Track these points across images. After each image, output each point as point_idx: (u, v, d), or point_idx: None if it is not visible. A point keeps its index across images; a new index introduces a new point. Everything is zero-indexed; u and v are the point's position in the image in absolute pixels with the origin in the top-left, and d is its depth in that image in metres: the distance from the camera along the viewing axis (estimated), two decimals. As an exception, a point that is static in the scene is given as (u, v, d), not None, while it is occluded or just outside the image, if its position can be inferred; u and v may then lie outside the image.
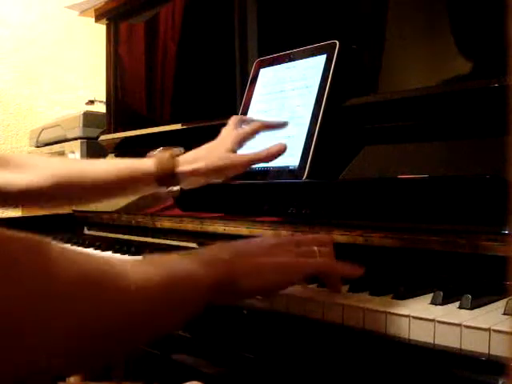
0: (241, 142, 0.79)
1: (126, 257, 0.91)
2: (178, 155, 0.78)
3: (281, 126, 0.82)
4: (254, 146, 0.90)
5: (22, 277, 0.32)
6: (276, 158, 0.77)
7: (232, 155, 0.77)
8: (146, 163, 0.77)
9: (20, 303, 0.31)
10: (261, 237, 0.60)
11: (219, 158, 0.76)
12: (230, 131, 0.80)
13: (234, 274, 0.51)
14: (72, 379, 1.48)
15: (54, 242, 0.36)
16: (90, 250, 0.98)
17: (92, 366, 0.44)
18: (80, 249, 0.91)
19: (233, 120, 0.82)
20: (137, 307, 0.41)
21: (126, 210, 1.17)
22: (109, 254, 0.95)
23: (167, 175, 0.76)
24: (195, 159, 0.77)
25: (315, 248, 0.57)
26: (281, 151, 0.76)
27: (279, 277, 0.54)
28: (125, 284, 0.40)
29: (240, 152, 0.80)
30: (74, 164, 0.83)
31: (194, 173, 0.76)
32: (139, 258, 0.49)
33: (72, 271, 0.36)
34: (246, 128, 0.80)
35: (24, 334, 0.32)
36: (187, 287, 0.46)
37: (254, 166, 0.88)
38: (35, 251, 0.34)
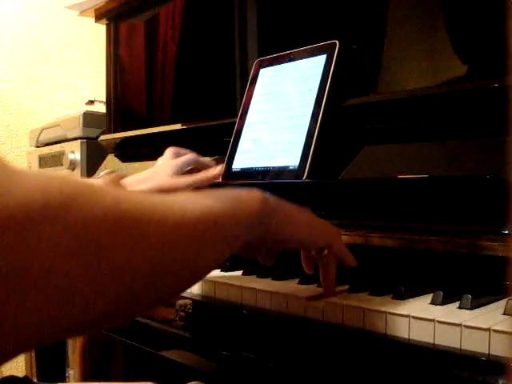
0: (178, 171, 0.84)
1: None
2: (123, 177, 0.80)
3: (209, 167, 0.89)
4: (255, 144, 0.90)
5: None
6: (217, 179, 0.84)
7: (174, 179, 0.82)
8: None
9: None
10: None
11: (163, 181, 0.81)
12: (167, 161, 0.86)
13: (273, 214, 0.51)
14: (72, 380, 1.48)
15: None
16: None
17: (143, 308, 0.42)
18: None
19: (169, 151, 0.90)
20: (179, 239, 0.39)
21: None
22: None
23: None
24: (139, 182, 0.80)
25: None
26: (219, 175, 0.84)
27: (311, 232, 0.55)
28: (165, 217, 0.37)
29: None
30: None
31: None
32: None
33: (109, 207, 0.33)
34: (182, 158, 0.86)
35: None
36: (227, 219, 0.45)
37: (253, 166, 0.88)
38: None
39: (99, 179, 0.79)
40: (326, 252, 0.57)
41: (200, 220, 0.41)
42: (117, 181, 0.77)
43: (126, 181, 0.79)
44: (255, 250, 0.58)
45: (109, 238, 0.32)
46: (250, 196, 0.49)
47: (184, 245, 0.39)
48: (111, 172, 0.80)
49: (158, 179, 0.81)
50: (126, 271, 0.33)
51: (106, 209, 0.33)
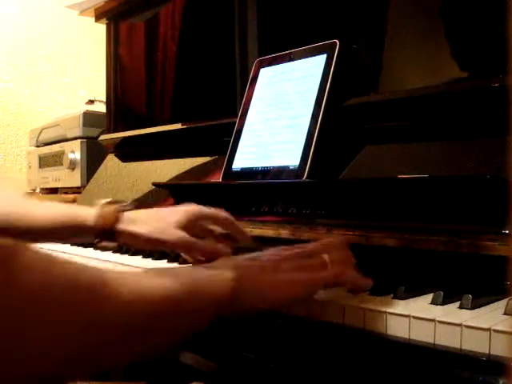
0: (184, 222, 0.72)
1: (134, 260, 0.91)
2: (121, 211, 0.74)
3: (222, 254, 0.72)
4: (257, 143, 0.90)
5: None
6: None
7: (182, 235, 0.71)
8: (87, 215, 0.73)
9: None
10: (268, 250, 0.58)
11: (168, 233, 0.71)
12: (187, 214, 0.73)
13: (243, 289, 0.49)
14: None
15: (28, 247, 0.36)
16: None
17: (89, 372, 0.44)
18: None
19: (195, 208, 0.75)
20: (136, 316, 0.41)
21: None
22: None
23: (106, 231, 0.72)
24: (139, 220, 0.73)
25: (326, 258, 0.56)
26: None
27: (288, 293, 0.53)
28: (125, 292, 0.39)
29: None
30: (16, 204, 0.78)
31: (134, 236, 0.72)
32: (141, 271, 0.48)
33: (62, 277, 0.36)
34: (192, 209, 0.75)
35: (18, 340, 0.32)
36: (195, 300, 0.46)
37: (253, 166, 0.88)
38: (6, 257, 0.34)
39: (97, 208, 0.74)
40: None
41: (167, 298, 0.42)
42: (115, 214, 0.73)
43: (125, 215, 0.73)
44: None
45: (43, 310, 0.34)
46: (221, 277, 0.48)
47: (150, 318, 0.41)
48: (111, 202, 0.75)
49: (160, 227, 0.71)
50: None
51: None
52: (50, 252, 0.38)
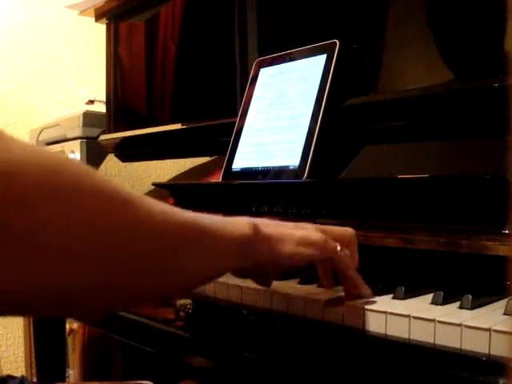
0: None
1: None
2: None
3: None
4: (257, 143, 0.90)
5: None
6: None
7: None
8: None
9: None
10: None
11: None
12: None
13: (258, 237, 0.49)
14: (72, 379, 1.48)
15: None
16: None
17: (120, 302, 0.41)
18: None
19: None
20: (170, 236, 0.40)
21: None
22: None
23: None
24: None
25: (337, 244, 0.56)
26: None
27: (304, 249, 0.53)
28: (156, 211, 0.39)
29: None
30: None
31: None
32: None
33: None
34: None
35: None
36: (215, 238, 0.45)
37: (253, 166, 0.88)
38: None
39: None
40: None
41: (186, 224, 0.42)
42: None
43: None
44: (251, 274, 0.56)
45: (96, 214, 0.33)
46: (239, 221, 0.48)
47: (168, 243, 0.40)
48: None
49: None
50: (109, 251, 0.35)
51: (95, 182, 0.34)
52: None
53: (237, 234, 0.47)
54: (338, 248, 0.55)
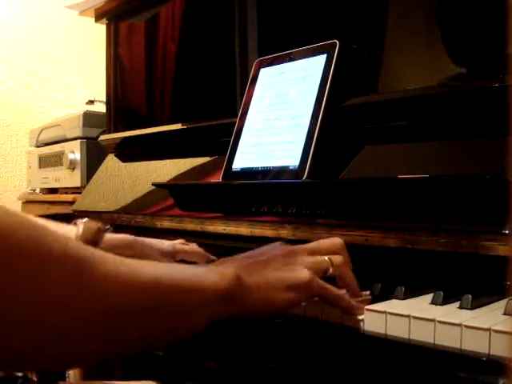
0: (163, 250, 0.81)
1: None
2: (105, 230, 0.78)
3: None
4: (257, 143, 0.90)
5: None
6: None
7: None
8: (68, 232, 0.75)
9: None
10: (270, 245, 0.57)
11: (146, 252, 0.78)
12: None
13: (242, 288, 0.48)
14: (72, 379, 1.48)
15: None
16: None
17: (91, 358, 0.42)
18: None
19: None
20: (148, 298, 0.40)
21: (126, 209, 1.17)
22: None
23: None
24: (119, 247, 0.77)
25: (326, 258, 0.55)
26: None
27: (291, 294, 0.51)
28: (126, 271, 0.39)
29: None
30: None
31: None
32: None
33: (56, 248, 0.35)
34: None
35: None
36: (193, 293, 0.44)
37: (253, 166, 0.88)
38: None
39: (79, 226, 0.75)
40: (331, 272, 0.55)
41: (166, 286, 0.41)
42: (96, 233, 0.75)
43: (108, 235, 0.77)
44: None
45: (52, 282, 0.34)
46: (222, 272, 0.47)
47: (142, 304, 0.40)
48: (92, 221, 0.77)
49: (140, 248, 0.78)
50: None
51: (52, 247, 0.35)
52: None
53: (217, 287, 0.46)
54: (330, 270, 0.54)
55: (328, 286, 0.53)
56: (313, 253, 0.55)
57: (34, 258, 0.33)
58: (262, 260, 0.53)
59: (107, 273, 0.37)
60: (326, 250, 0.56)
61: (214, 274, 0.47)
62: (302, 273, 0.52)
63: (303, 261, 0.53)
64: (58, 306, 0.34)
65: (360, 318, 0.53)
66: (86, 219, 0.77)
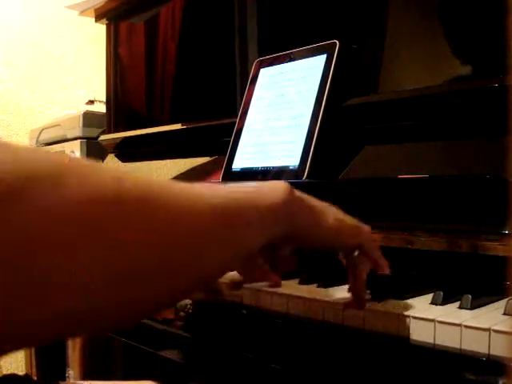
0: None
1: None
2: None
3: None
4: (257, 143, 0.90)
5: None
6: None
7: None
8: None
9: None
10: None
11: None
12: None
13: (295, 201, 0.45)
14: (72, 379, 1.48)
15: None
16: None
17: (143, 309, 0.35)
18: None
19: None
20: (193, 225, 0.35)
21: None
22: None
23: None
24: None
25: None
26: None
27: (340, 229, 0.49)
28: (176, 201, 0.34)
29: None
30: None
31: None
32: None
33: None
34: None
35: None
36: (249, 208, 0.40)
37: (253, 166, 0.88)
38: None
39: None
40: (356, 254, 0.52)
41: (217, 208, 0.37)
42: None
43: None
44: (277, 249, 0.51)
45: (109, 218, 0.29)
46: (274, 186, 0.44)
47: (198, 232, 0.35)
48: None
49: None
50: (128, 254, 0.30)
51: (106, 186, 0.30)
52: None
53: (272, 201, 0.42)
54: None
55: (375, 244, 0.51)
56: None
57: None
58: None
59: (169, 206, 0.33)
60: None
61: (263, 189, 0.43)
62: (352, 218, 0.50)
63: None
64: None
65: (360, 317, 0.53)
66: None
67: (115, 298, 0.31)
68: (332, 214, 0.49)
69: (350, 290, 0.53)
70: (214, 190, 0.38)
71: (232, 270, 0.49)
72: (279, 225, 0.43)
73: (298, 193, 0.46)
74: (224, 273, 0.42)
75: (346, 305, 0.55)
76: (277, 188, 0.44)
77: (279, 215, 0.43)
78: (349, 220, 0.51)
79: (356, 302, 0.53)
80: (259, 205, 0.41)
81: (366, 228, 0.52)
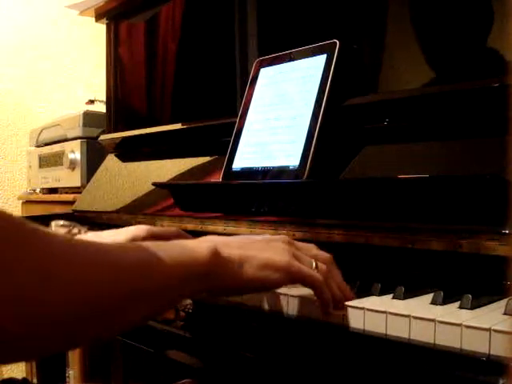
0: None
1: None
2: (74, 234, 0.75)
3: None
4: (257, 143, 0.90)
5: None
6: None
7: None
8: None
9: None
10: (260, 235, 0.56)
11: (139, 229, 0.70)
12: (136, 231, 0.71)
13: (218, 262, 0.47)
14: (72, 380, 1.48)
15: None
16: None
17: (79, 343, 0.44)
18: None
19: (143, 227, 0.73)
20: (137, 283, 0.40)
21: (127, 209, 1.17)
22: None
23: None
24: (109, 235, 0.72)
25: (312, 260, 0.54)
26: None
27: (268, 273, 0.50)
28: (125, 260, 0.40)
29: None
30: None
31: None
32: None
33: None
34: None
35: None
36: (176, 270, 0.44)
37: (253, 166, 0.88)
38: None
39: (56, 229, 0.74)
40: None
41: (142, 266, 0.41)
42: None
43: (94, 235, 0.73)
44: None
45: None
46: (198, 247, 0.47)
47: (121, 289, 0.40)
48: (64, 225, 0.75)
49: (132, 229, 0.70)
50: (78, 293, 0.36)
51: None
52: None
53: (194, 262, 0.45)
54: (313, 264, 0.53)
55: (309, 272, 0.52)
56: (299, 249, 0.54)
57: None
58: (250, 239, 0.52)
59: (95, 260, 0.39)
60: (313, 254, 0.55)
61: (189, 249, 0.46)
62: (282, 254, 0.51)
63: (290, 249, 0.52)
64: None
65: (360, 317, 0.53)
66: (61, 222, 0.76)
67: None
68: (253, 262, 0.50)
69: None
70: (142, 250, 0.42)
71: None
72: (202, 281, 0.46)
73: (219, 251, 0.47)
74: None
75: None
76: (200, 249, 0.46)
77: (202, 274, 0.46)
78: (276, 262, 0.51)
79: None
80: (183, 265, 0.44)
81: (296, 268, 0.52)
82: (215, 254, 0.47)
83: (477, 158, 0.66)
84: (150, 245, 0.43)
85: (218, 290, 0.51)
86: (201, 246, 0.47)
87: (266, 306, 0.62)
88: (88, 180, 1.48)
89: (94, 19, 1.53)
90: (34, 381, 1.58)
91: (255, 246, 0.52)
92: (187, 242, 0.48)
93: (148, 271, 0.42)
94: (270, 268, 0.50)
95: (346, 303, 0.55)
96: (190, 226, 0.96)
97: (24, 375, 1.84)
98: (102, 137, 1.46)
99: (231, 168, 0.92)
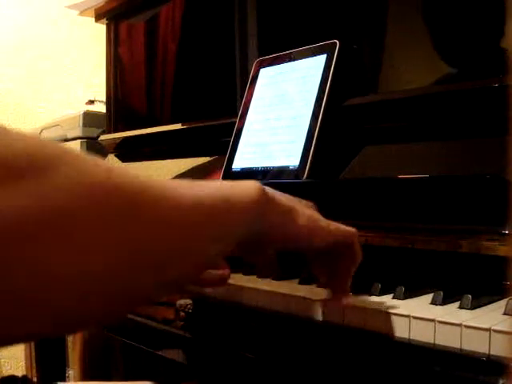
0: None
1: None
2: None
3: None
4: (257, 143, 0.90)
5: None
6: None
7: None
8: None
9: None
10: None
11: None
12: None
13: (272, 205, 0.45)
14: (72, 379, 1.48)
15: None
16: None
17: (140, 297, 0.36)
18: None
19: None
20: (173, 224, 0.36)
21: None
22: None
23: None
24: None
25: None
26: None
27: (314, 226, 0.48)
28: (159, 200, 0.35)
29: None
30: None
31: None
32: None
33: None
34: None
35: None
36: (223, 208, 0.40)
37: (253, 166, 0.88)
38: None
39: None
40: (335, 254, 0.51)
41: (195, 207, 0.37)
42: None
43: None
44: (253, 250, 0.51)
45: (94, 213, 0.29)
46: (246, 185, 0.43)
47: (177, 231, 0.36)
48: None
49: None
50: (109, 251, 0.30)
51: (95, 180, 0.30)
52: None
53: (245, 201, 0.42)
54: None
55: (344, 227, 0.51)
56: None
57: None
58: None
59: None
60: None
61: (236, 189, 0.42)
62: (319, 214, 0.50)
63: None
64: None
65: (361, 318, 0.53)
66: None
67: (103, 289, 0.31)
68: (305, 213, 0.48)
69: (329, 286, 0.53)
70: (191, 189, 0.39)
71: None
72: (251, 224, 0.43)
73: (270, 192, 0.45)
74: (207, 267, 0.44)
75: (326, 301, 0.55)
76: (249, 188, 0.43)
77: (251, 215, 0.43)
78: (323, 221, 0.50)
79: (337, 297, 0.53)
80: (233, 203, 0.41)
81: (350, 230, 0.52)
82: (264, 194, 0.44)
83: (477, 157, 0.66)
84: (198, 183, 0.40)
85: (270, 234, 0.46)
86: (249, 186, 0.43)
87: (268, 306, 0.62)
88: (88, 180, 1.48)
89: (93, 19, 1.53)
90: (34, 379, 1.58)
91: (296, 201, 0.50)
92: (235, 182, 0.44)
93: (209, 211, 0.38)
94: (314, 222, 0.49)
95: (347, 303, 0.55)
96: (190, 226, 0.95)
97: (24, 373, 1.84)
98: (102, 137, 1.46)
99: (231, 168, 0.92)
